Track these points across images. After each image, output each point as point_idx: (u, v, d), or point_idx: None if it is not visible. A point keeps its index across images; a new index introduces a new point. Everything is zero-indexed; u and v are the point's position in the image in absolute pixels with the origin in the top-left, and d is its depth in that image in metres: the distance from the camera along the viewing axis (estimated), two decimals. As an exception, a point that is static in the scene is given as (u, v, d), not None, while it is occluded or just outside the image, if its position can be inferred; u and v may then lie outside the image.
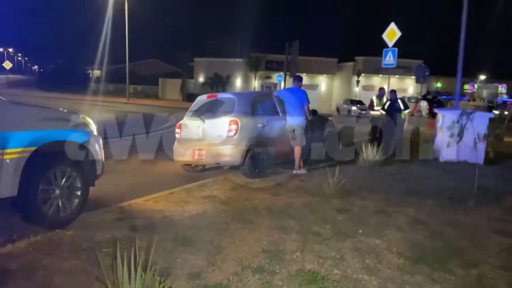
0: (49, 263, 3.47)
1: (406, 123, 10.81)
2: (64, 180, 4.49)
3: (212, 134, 7.19)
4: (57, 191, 4.41)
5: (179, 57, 47.09)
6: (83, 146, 4.75)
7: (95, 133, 5.01)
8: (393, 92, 11.00)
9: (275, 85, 42.18)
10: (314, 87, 46.50)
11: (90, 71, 56.33)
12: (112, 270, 2.93)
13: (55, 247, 3.81)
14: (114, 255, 3.01)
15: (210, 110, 7.62)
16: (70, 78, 50.75)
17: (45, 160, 4.31)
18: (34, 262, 3.49)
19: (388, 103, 10.80)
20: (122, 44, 37.56)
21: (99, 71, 55.67)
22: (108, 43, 40.99)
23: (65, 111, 5.16)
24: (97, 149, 4.94)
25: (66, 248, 3.79)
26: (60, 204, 4.42)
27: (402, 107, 10.70)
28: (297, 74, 9.54)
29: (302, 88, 7.93)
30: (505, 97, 41.67)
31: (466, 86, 43.38)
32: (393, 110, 10.72)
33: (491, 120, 8.74)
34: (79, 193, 4.65)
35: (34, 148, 4.14)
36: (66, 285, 3.16)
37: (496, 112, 31.67)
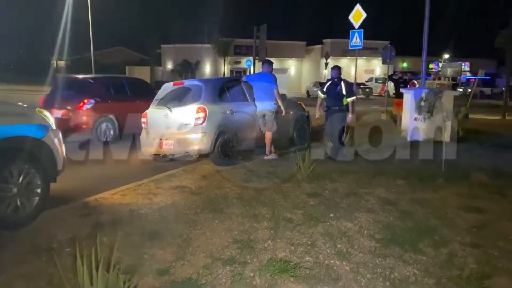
0: (7, 267, 3.27)
1: (350, 115, 7.50)
2: (21, 177, 4.24)
3: (179, 123, 6.99)
4: (15, 190, 4.16)
5: (145, 44, 45.97)
6: (41, 141, 4.49)
7: (54, 126, 4.76)
8: (335, 68, 7.82)
9: (244, 70, 41.90)
10: (283, 71, 46.44)
11: (54, 61, 54.29)
12: (73, 271, 2.78)
13: (13, 249, 3.61)
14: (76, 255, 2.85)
15: (176, 98, 7.40)
16: (33, 69, 48.76)
17: (-1, 158, 4.05)
18: (-10, 267, 3.29)
19: (328, 83, 7.75)
20: (86, 33, 36.22)
21: (64, 61, 53.75)
22: (71, 31, 39.41)
23: (19, 104, 4.87)
24: (57, 144, 4.69)
25: (26, 250, 3.58)
26: (18, 203, 4.18)
27: (344, 92, 7.43)
28: (267, 58, 9.08)
29: (272, 72, 7.78)
30: (468, 75, 42.80)
31: (431, 65, 44.22)
32: (333, 93, 7.56)
33: (455, 97, 8.89)
34: (39, 190, 4.41)
35: (-14, 145, 3.88)
36: (25, 290, 2.99)
37: (460, 89, 32.51)
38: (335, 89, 7.50)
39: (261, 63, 8.99)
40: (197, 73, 42.85)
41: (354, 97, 7.56)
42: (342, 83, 7.48)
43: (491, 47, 17.34)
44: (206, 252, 3.55)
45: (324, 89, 7.75)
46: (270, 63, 7.87)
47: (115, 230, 3.98)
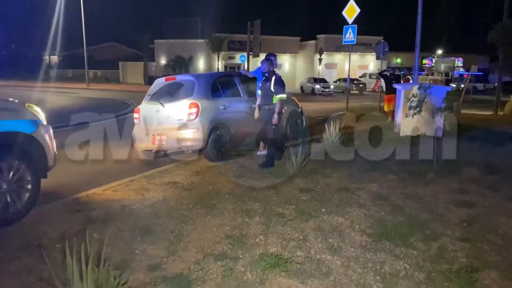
0: (-3, 264, 3.25)
1: (276, 115, 6.49)
2: (11, 174, 4.21)
3: (172, 118, 6.96)
4: (5, 186, 4.13)
5: (139, 39, 45.71)
6: (31, 137, 4.46)
7: (44, 122, 4.72)
8: (264, 61, 6.80)
9: (238, 65, 41.77)
10: (278, 66, 46.37)
11: (47, 57, 53.80)
12: (63, 267, 2.76)
13: (4, 246, 3.59)
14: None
15: (169, 93, 7.36)
16: (25, 65, 48.31)
17: (-12, 154, 4.02)
18: (-20, 264, 3.26)
19: (262, 79, 6.89)
20: (79, 28, 35.95)
21: (56, 56, 53.34)
22: (64, 27, 39.05)
23: (9, 100, 4.82)
24: (47, 139, 4.66)
25: (16, 246, 3.57)
26: (9, 199, 4.16)
27: (272, 88, 6.54)
28: (270, 52, 8.16)
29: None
30: (461, 70, 42.98)
31: (425, 61, 44.40)
32: (263, 90, 6.75)
33: (448, 93, 8.92)
34: (29, 186, 4.38)
35: (-25, 141, 3.85)
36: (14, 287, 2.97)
37: (454, 85, 32.69)
38: (265, 85, 6.68)
39: (255, 58, 8.86)
40: (191, 68, 42.63)
41: (283, 95, 6.59)
42: (273, 79, 6.58)
43: (484, 43, 17.35)
44: (197, 247, 3.54)
45: (259, 86, 7.02)
46: (272, 56, 7.67)
47: (106, 226, 3.97)
